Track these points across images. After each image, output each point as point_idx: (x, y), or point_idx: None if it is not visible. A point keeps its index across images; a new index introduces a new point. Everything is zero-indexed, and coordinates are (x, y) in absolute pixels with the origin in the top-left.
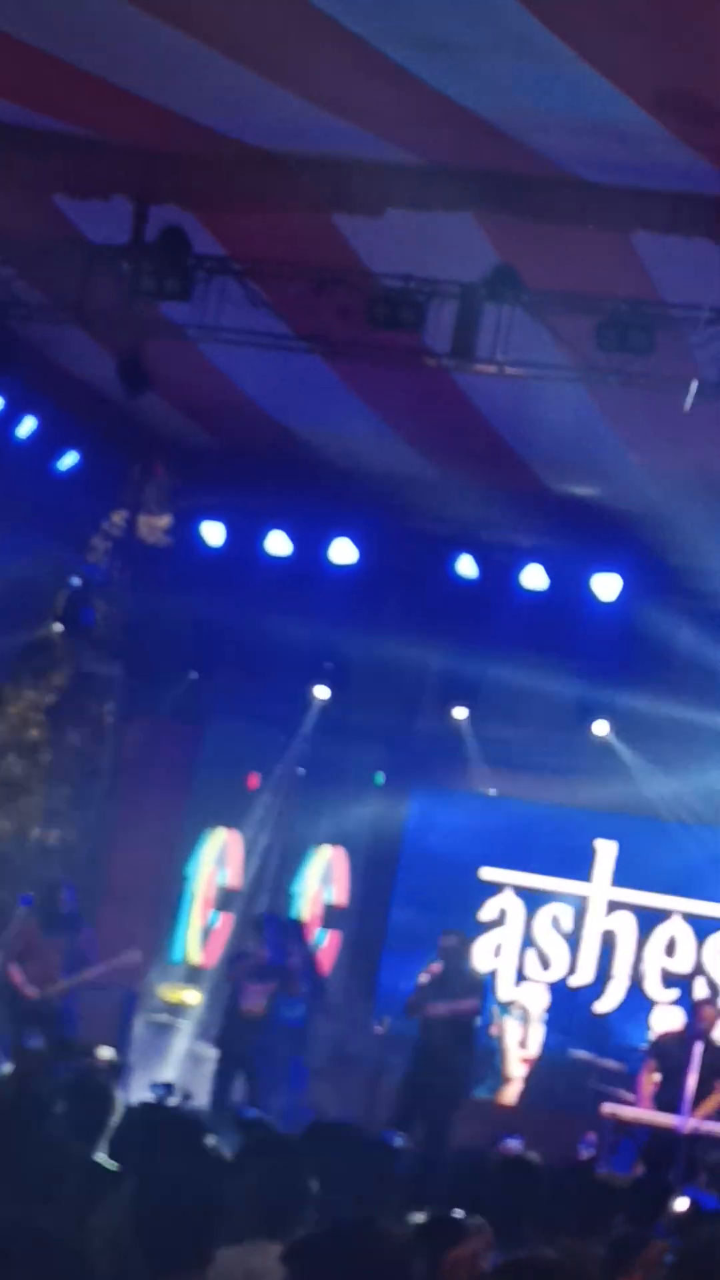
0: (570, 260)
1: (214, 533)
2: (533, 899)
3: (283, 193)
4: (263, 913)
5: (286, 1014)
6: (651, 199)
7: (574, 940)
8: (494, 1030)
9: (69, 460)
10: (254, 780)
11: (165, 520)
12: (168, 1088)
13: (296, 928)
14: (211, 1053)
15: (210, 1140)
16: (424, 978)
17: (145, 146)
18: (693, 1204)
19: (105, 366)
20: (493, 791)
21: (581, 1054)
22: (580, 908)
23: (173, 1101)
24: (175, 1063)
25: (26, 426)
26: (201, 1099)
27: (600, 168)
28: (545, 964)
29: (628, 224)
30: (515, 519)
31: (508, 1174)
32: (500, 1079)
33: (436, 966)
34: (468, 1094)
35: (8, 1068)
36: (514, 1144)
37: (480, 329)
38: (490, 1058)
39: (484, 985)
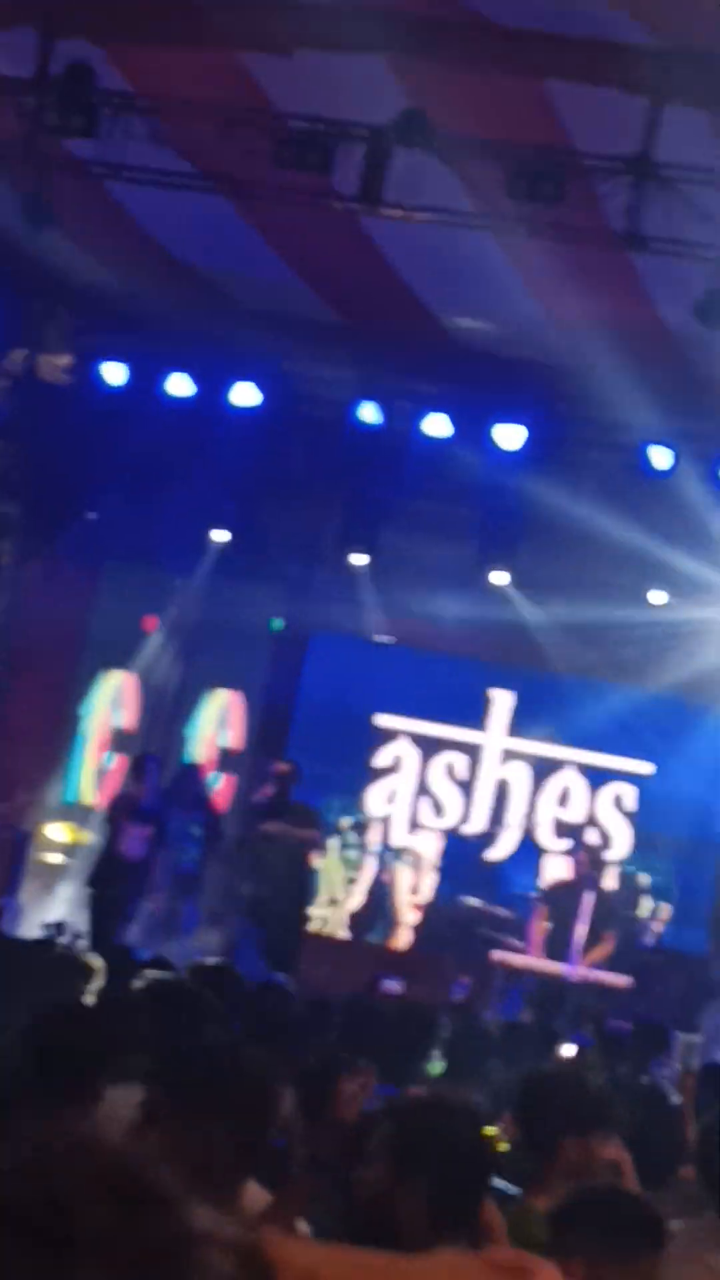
0: (481, 106)
1: (115, 373)
2: (428, 746)
3: (193, 29)
4: (144, 753)
5: (181, 859)
6: (565, 45)
7: (468, 788)
8: (385, 876)
9: None
10: (151, 623)
11: (65, 359)
12: (59, 927)
13: (192, 770)
14: None
15: (101, 981)
16: (258, 798)
17: None
18: (579, 1050)
19: (8, 203)
20: (389, 639)
21: (472, 901)
22: (475, 756)
23: (63, 941)
24: (65, 903)
25: None
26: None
27: (514, 12)
28: (439, 811)
29: (540, 71)
30: (419, 367)
31: (389, 1017)
32: (391, 924)
33: (269, 789)
34: (303, 924)
35: None
36: (393, 985)
37: (389, 173)
38: (381, 902)
39: (318, 819)
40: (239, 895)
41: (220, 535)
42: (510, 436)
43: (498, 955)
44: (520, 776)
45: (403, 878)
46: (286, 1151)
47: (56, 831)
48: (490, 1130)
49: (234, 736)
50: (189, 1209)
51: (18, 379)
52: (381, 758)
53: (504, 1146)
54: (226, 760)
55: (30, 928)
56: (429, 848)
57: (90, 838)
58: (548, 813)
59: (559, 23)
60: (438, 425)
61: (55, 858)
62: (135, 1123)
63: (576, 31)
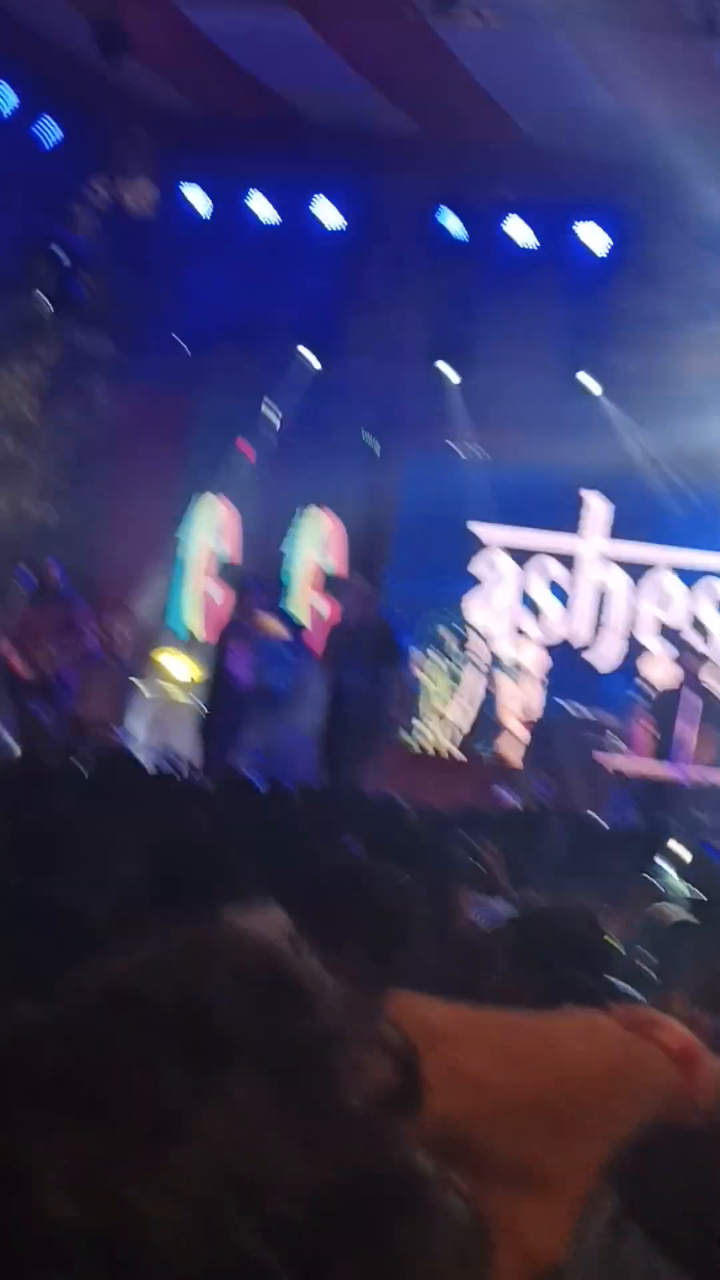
0: None
1: (198, 200)
2: (525, 556)
3: None
4: (245, 576)
5: (276, 682)
6: None
7: (567, 596)
8: (490, 687)
9: (50, 131)
10: (245, 447)
11: (148, 187)
12: (172, 756)
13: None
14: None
15: (211, 804)
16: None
17: None
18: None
19: (82, 31)
20: (480, 451)
21: (577, 708)
22: (572, 563)
23: (178, 769)
24: (178, 732)
25: (6, 100)
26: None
27: None
28: (539, 619)
29: None
30: (499, 173)
31: (502, 824)
32: (497, 735)
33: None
34: (388, 740)
35: (17, 749)
36: (506, 796)
37: None
38: (487, 714)
39: (392, 632)
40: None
41: (308, 356)
42: (595, 238)
43: (605, 759)
44: (618, 581)
45: (507, 688)
46: (421, 967)
47: (172, 663)
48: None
49: (336, 560)
50: (341, 1005)
51: (101, 209)
52: (479, 568)
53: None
54: (331, 585)
55: (144, 759)
56: (531, 656)
57: (198, 668)
58: (648, 615)
59: None
60: (520, 230)
61: (164, 687)
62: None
63: None
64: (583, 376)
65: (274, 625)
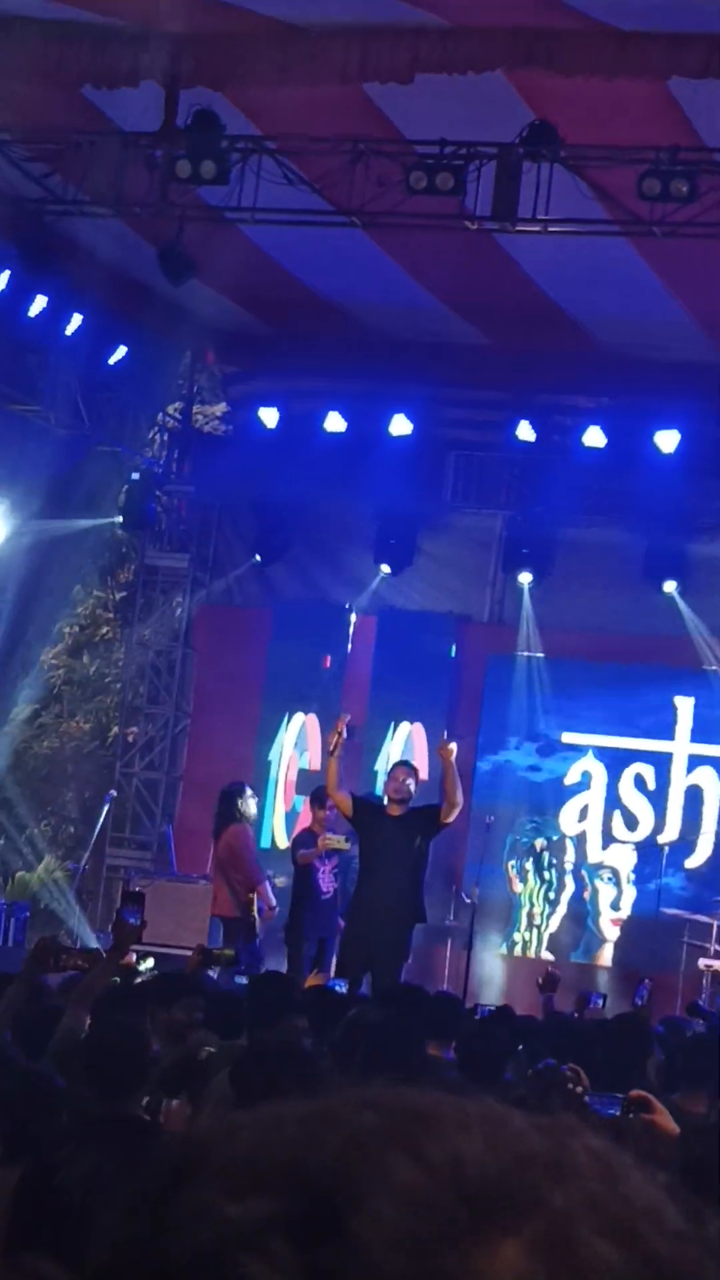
0: (607, 112)
1: (269, 416)
2: (615, 760)
3: (311, 65)
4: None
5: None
6: (686, 43)
7: (659, 798)
8: (584, 893)
9: (119, 354)
10: (327, 661)
11: (219, 408)
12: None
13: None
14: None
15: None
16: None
17: (170, 29)
18: None
19: (147, 256)
20: (556, 656)
21: (673, 911)
22: (663, 766)
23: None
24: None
25: (74, 323)
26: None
27: (630, 14)
28: (632, 824)
29: (663, 70)
30: (569, 379)
31: (602, 1033)
32: (593, 941)
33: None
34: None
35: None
36: (600, 1003)
37: (520, 189)
38: (583, 920)
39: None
40: None
41: (385, 568)
42: (667, 441)
43: (704, 963)
44: (709, 781)
45: (603, 893)
46: None
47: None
48: None
49: (420, 767)
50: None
51: (174, 431)
52: (570, 775)
53: None
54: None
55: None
56: (625, 861)
57: (283, 881)
58: None
59: (678, 20)
60: (595, 437)
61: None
62: None
63: (696, 27)
64: (666, 584)
65: (336, 841)
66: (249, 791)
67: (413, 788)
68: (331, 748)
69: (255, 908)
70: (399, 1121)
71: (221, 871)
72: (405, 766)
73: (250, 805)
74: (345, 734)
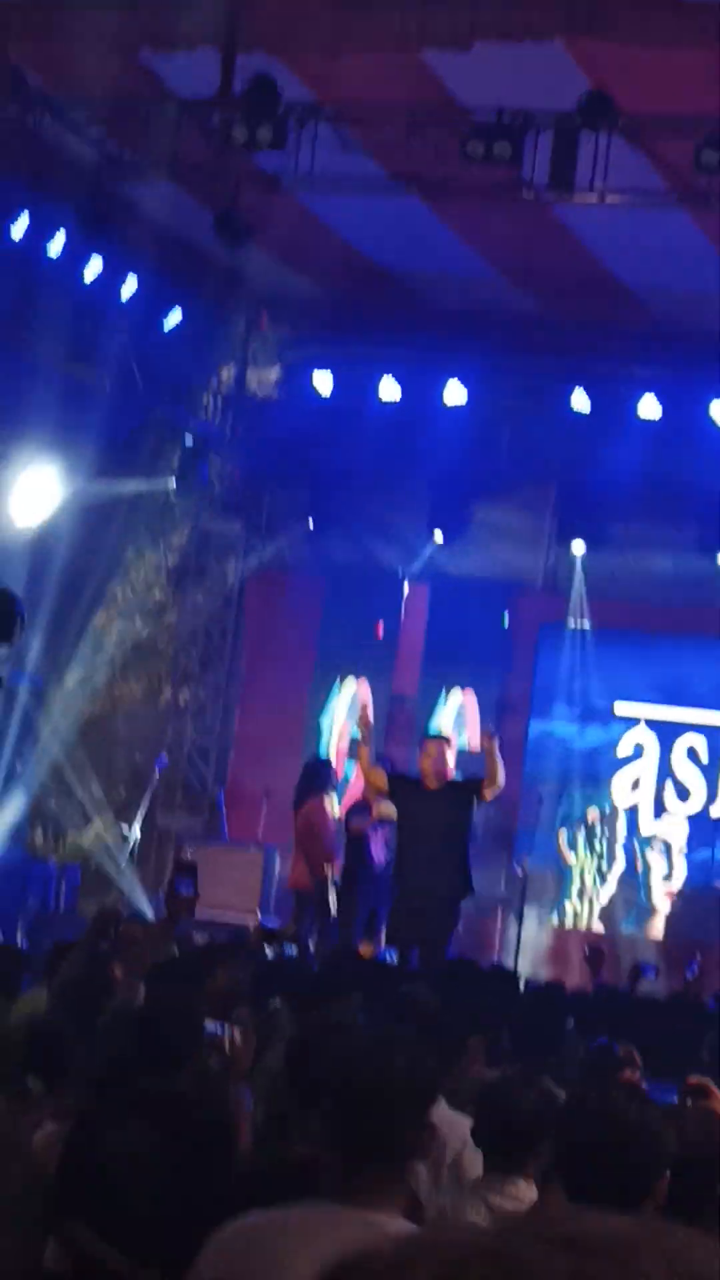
0: (665, 81)
1: (323, 382)
2: (667, 731)
3: (369, 30)
4: (378, 757)
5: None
6: None
7: (712, 770)
8: (636, 865)
9: (173, 318)
10: (380, 628)
11: (274, 373)
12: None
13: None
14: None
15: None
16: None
17: None
18: None
19: (203, 221)
20: (609, 625)
21: None
22: (716, 737)
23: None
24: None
25: (129, 287)
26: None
27: None
28: (684, 795)
29: None
30: (624, 349)
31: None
32: (645, 913)
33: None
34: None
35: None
36: (652, 976)
37: (578, 158)
38: (635, 891)
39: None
40: None
41: (438, 535)
42: None
43: None
44: None
45: (654, 865)
46: None
47: None
48: None
49: (471, 737)
50: None
51: (228, 396)
52: (623, 746)
53: None
54: (466, 761)
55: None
56: (677, 833)
57: None
58: None
59: None
60: (649, 407)
61: None
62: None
63: None
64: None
65: (391, 810)
66: (331, 767)
67: (450, 758)
68: (361, 737)
69: (331, 881)
70: (591, 1266)
71: (300, 844)
72: (438, 738)
73: (331, 781)
74: (372, 721)
